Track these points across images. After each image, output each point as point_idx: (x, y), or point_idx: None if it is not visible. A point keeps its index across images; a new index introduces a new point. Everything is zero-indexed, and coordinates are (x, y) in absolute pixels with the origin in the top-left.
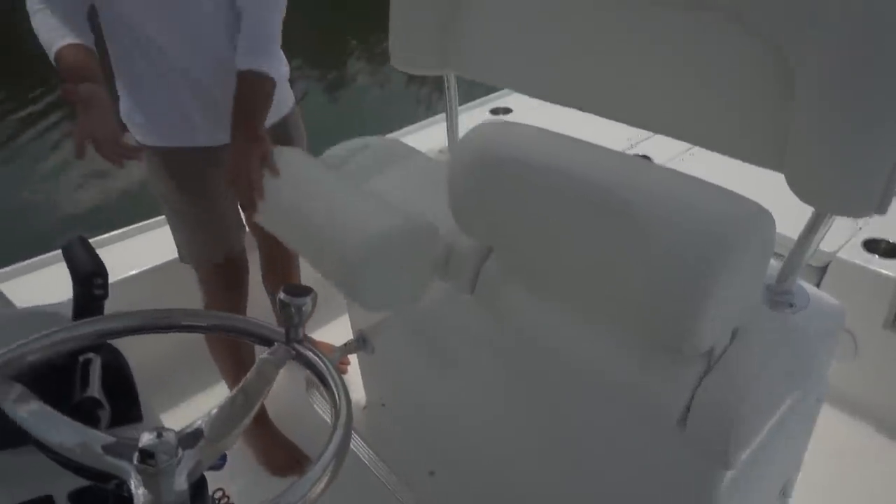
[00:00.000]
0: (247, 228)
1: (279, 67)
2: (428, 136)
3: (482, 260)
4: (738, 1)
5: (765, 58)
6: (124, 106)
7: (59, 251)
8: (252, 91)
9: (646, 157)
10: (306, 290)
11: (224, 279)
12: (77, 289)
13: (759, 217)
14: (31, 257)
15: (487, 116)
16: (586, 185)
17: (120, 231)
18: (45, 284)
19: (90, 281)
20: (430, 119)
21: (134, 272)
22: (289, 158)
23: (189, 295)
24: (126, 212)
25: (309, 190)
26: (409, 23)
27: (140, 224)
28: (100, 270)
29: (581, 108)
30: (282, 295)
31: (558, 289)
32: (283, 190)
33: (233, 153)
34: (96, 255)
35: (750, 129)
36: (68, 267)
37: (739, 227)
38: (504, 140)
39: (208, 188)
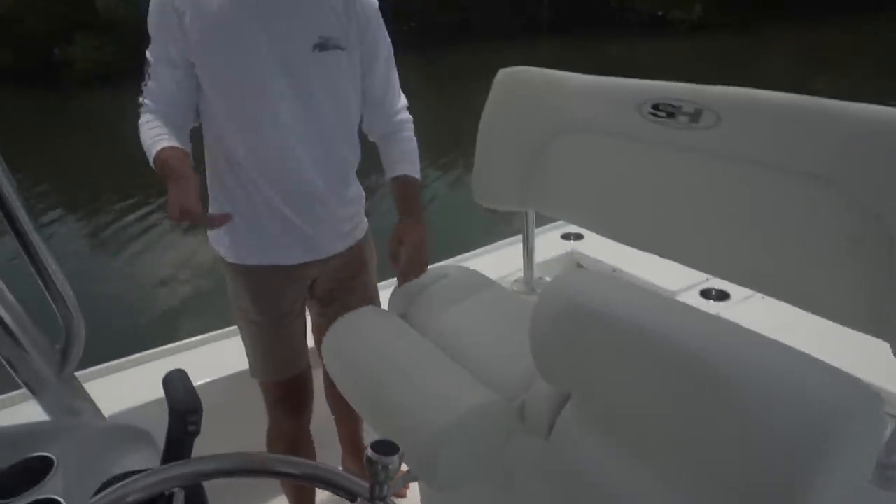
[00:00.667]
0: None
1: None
2: (503, 260)
3: (560, 406)
4: (836, 169)
5: (862, 224)
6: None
7: (139, 355)
8: (413, 190)
9: (723, 293)
10: (394, 448)
11: (288, 397)
12: (172, 421)
13: (869, 400)
14: (108, 351)
15: (559, 241)
16: (674, 346)
17: (198, 338)
18: (127, 386)
19: (186, 417)
20: (506, 241)
21: (205, 381)
22: (366, 320)
23: (255, 408)
24: (201, 318)
25: (385, 357)
26: (493, 164)
27: (215, 332)
28: (196, 407)
29: (659, 254)
30: (369, 452)
31: (640, 445)
32: (359, 354)
33: (402, 232)
34: (194, 391)
35: (843, 292)
36: (166, 397)
37: (848, 412)
38: (590, 292)
39: (283, 306)
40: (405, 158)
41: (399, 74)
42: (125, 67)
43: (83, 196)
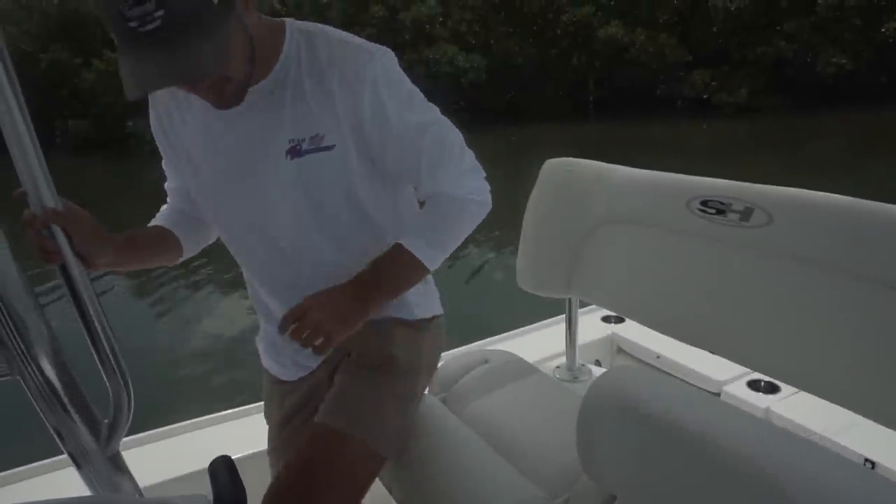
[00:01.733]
0: None
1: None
2: (544, 342)
3: None
4: (893, 274)
5: None
6: None
7: (175, 426)
8: (397, 267)
9: (772, 385)
10: None
11: None
12: None
13: None
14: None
15: (599, 323)
16: (727, 454)
17: (233, 411)
18: (160, 459)
19: None
20: (547, 321)
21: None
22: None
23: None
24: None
25: (427, 447)
26: (538, 251)
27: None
28: (241, 497)
29: (703, 348)
30: None
31: None
32: (414, 445)
33: (324, 301)
34: (239, 481)
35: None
36: (212, 486)
37: None
38: (640, 391)
39: (281, 420)
40: (416, 227)
41: None
42: None
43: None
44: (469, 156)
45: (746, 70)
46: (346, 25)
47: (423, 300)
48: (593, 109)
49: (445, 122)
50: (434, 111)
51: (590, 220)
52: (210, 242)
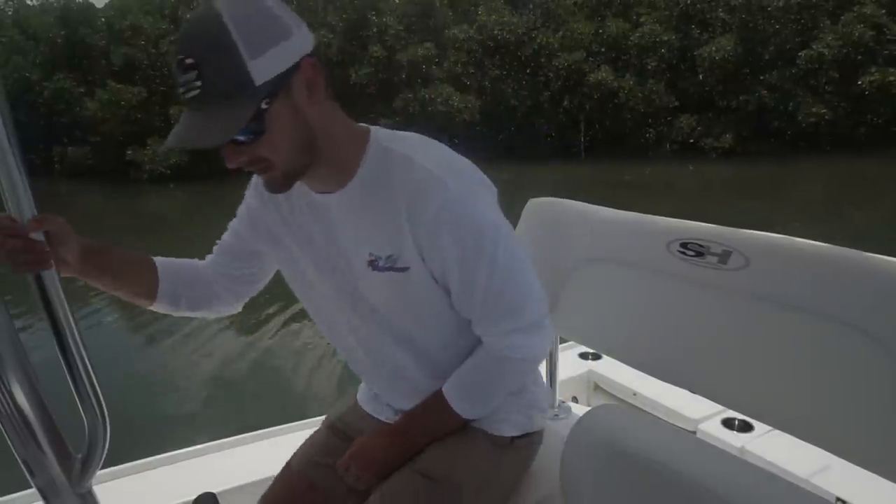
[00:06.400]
0: None
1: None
2: None
3: None
4: (869, 320)
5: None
6: None
7: (149, 459)
8: (437, 413)
9: (746, 423)
10: None
11: None
12: None
13: None
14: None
15: (576, 360)
16: (712, 493)
17: (216, 443)
18: (136, 495)
19: None
20: None
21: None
22: None
23: None
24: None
25: None
26: None
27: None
28: None
29: (681, 386)
30: None
31: None
32: None
33: (372, 446)
34: None
35: (871, 439)
36: None
37: None
38: (623, 429)
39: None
40: (456, 378)
41: None
42: (187, 170)
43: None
44: (532, 310)
45: (730, 117)
46: (345, 64)
47: (518, 415)
48: (584, 151)
49: (520, 271)
50: (510, 255)
51: (571, 258)
52: (194, 315)
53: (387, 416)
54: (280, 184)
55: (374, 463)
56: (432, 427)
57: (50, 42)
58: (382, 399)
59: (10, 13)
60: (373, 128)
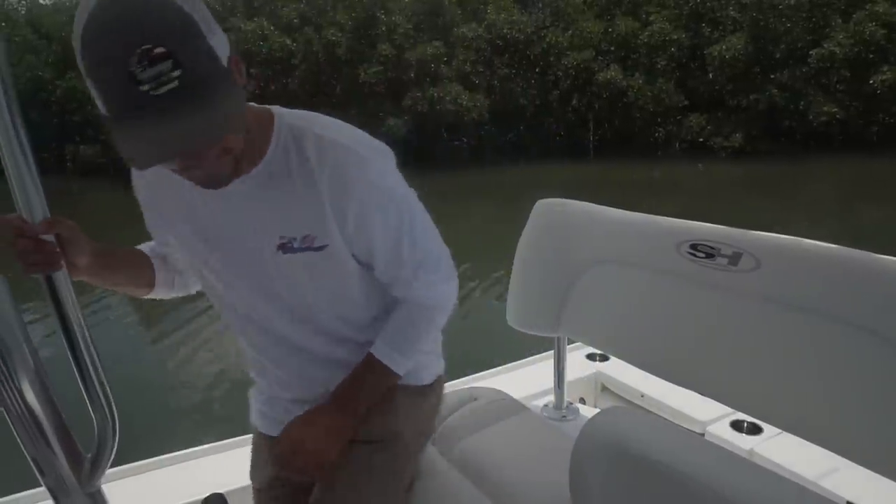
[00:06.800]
0: None
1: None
2: (532, 378)
3: None
4: (880, 321)
5: None
6: None
7: (157, 459)
8: (374, 378)
9: (755, 426)
10: None
11: None
12: None
13: None
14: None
15: (584, 361)
16: (720, 496)
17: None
18: (144, 494)
19: None
20: (534, 357)
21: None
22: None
23: None
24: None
25: (414, 490)
26: (528, 290)
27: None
28: None
29: (689, 388)
30: None
31: None
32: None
33: (306, 427)
34: None
35: (880, 441)
36: None
37: None
38: (631, 432)
39: (272, 480)
40: (386, 336)
41: (450, 185)
42: None
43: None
44: (445, 261)
45: (740, 116)
46: (353, 63)
47: (431, 362)
48: (593, 150)
49: (429, 227)
50: (420, 216)
51: (579, 260)
52: (185, 294)
53: (285, 411)
54: (230, 175)
55: (324, 452)
56: (369, 392)
57: (62, 41)
58: (281, 395)
59: (23, 12)
60: (274, 109)
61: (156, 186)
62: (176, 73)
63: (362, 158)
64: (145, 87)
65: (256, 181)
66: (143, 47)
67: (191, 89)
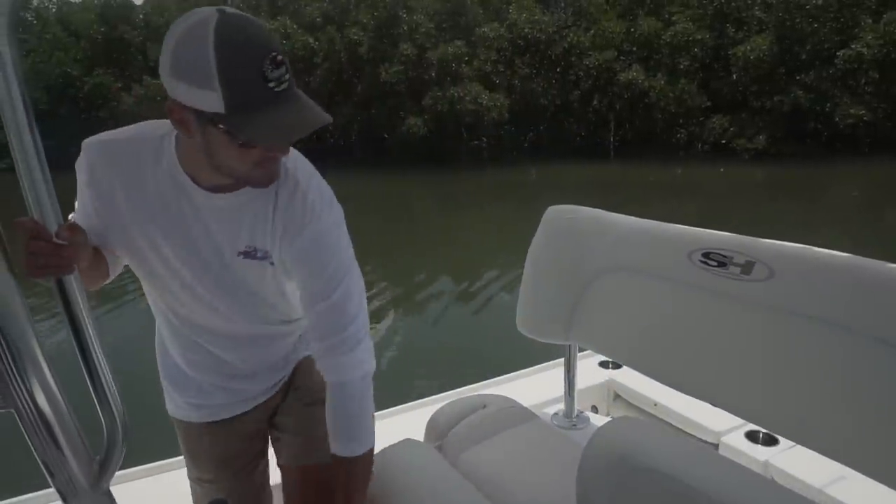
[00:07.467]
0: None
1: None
2: (542, 386)
3: None
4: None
5: None
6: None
7: (167, 461)
8: (356, 475)
9: (771, 437)
10: None
11: None
12: None
13: None
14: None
15: (596, 369)
16: None
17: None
18: (153, 496)
19: None
20: (545, 365)
21: None
22: (404, 456)
23: None
24: None
25: (431, 499)
26: (538, 297)
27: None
28: None
29: (701, 398)
30: None
31: None
32: (400, 498)
33: None
34: None
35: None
36: None
37: None
38: (640, 443)
39: (225, 459)
40: (343, 432)
41: (466, 187)
42: None
43: None
44: (364, 319)
45: (764, 117)
46: (375, 62)
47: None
48: (614, 151)
49: (359, 289)
50: (356, 279)
51: (591, 267)
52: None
53: (222, 409)
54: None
55: None
56: (358, 488)
57: (90, 39)
58: (218, 383)
59: (53, 10)
60: None
61: (109, 191)
62: (287, 76)
63: (319, 217)
64: (272, 85)
65: (243, 197)
66: (272, 54)
67: (294, 87)
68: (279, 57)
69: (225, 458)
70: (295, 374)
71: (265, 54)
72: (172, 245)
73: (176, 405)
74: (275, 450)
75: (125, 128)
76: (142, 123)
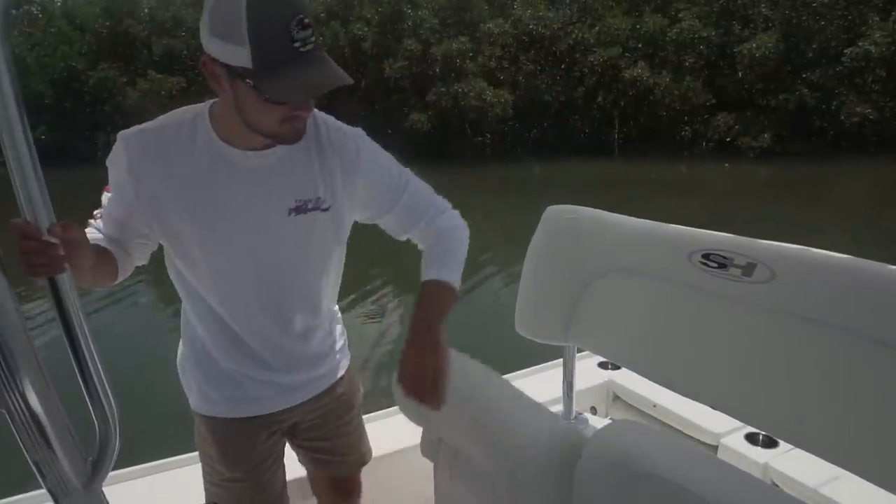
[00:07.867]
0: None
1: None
2: (540, 386)
3: None
4: None
5: None
6: (182, 371)
7: (161, 462)
8: (440, 297)
9: (771, 439)
10: None
11: None
12: None
13: None
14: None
15: (595, 369)
16: None
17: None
18: (146, 497)
19: None
20: (543, 365)
21: None
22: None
23: None
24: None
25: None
26: (538, 297)
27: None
28: None
29: (701, 401)
30: None
31: None
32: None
33: (413, 359)
34: None
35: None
36: None
37: None
38: (638, 446)
39: (257, 457)
40: (435, 262)
41: (469, 183)
42: None
43: None
44: (438, 197)
45: (769, 115)
46: (379, 57)
47: (347, 351)
48: (618, 148)
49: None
50: (407, 169)
51: (590, 268)
52: (125, 276)
53: (273, 402)
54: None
55: (442, 366)
56: (442, 310)
57: (95, 33)
58: (255, 375)
59: (58, 4)
60: None
61: (151, 178)
62: (313, 38)
63: (356, 133)
64: (297, 45)
65: (281, 150)
66: (299, 16)
67: (319, 50)
68: (306, 20)
69: (257, 455)
70: (335, 385)
71: (293, 15)
72: (220, 220)
73: (210, 401)
74: (301, 455)
75: (157, 118)
76: (172, 112)
